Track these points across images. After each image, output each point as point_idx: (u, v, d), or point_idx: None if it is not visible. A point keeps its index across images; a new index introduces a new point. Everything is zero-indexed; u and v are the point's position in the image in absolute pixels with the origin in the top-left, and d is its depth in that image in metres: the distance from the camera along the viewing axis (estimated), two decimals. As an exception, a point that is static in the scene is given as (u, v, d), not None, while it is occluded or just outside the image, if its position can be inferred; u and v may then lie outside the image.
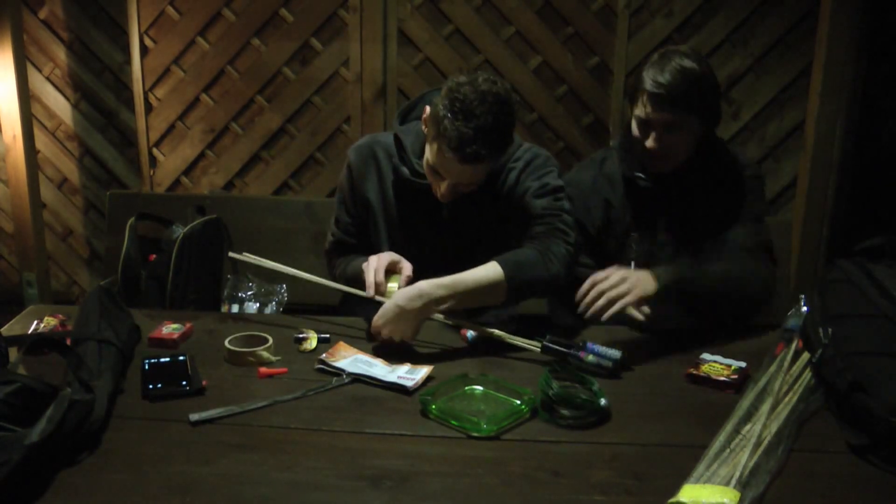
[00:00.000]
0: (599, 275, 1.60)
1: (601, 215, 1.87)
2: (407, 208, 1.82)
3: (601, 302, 1.56)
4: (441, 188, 1.68)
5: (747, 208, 1.82)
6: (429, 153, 1.67)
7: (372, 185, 1.84)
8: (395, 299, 1.57)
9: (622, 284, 1.57)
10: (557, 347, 1.56)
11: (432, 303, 1.57)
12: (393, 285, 1.65)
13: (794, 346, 1.50)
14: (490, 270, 1.61)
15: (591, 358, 1.53)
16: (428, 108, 1.67)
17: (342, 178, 1.89)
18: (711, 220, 1.81)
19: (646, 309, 1.58)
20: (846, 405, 1.29)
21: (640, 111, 1.73)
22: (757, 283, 1.78)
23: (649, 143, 1.73)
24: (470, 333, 1.68)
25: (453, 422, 1.31)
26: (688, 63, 1.69)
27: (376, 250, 1.79)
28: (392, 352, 1.59)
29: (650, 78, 1.69)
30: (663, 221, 1.84)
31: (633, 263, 1.83)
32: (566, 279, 1.67)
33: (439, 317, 1.63)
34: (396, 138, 1.79)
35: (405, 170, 1.77)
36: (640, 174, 1.81)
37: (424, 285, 1.58)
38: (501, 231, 1.79)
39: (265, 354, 1.54)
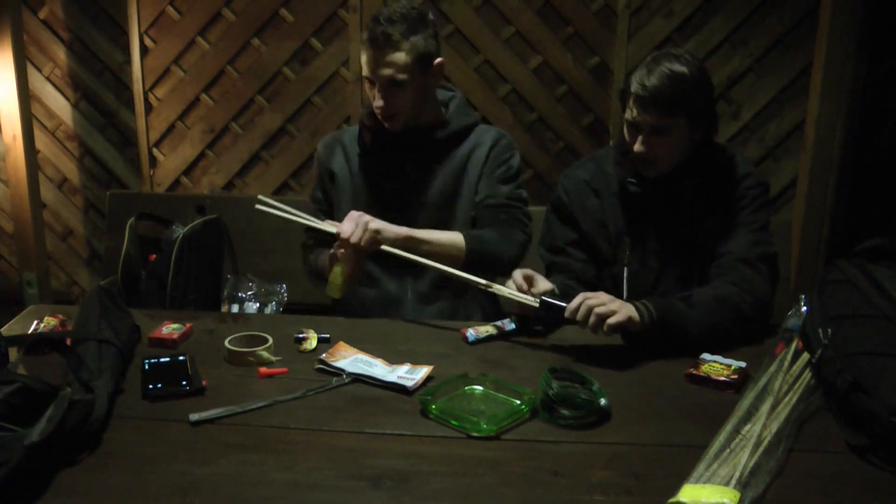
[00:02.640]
0: (589, 293, 1.58)
1: (595, 214, 1.87)
2: (372, 174, 1.95)
3: (592, 319, 1.55)
4: (376, 99, 1.82)
5: (747, 218, 1.75)
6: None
7: (337, 160, 1.99)
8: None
9: (611, 304, 1.55)
10: (554, 301, 1.60)
11: (389, 230, 1.77)
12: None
13: (794, 346, 1.50)
14: (453, 236, 1.84)
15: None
16: None
17: (313, 173, 2.01)
18: (705, 232, 1.76)
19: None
20: (846, 405, 1.29)
21: (627, 114, 1.72)
22: (749, 302, 1.66)
23: (637, 146, 1.72)
24: (470, 333, 1.68)
25: (453, 422, 1.31)
26: (677, 66, 1.66)
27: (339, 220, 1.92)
28: (391, 350, 1.59)
29: (637, 81, 1.67)
30: (654, 229, 1.82)
31: (625, 269, 1.83)
32: (521, 262, 1.85)
33: (390, 249, 1.74)
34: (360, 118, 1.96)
35: (367, 112, 1.92)
36: (632, 179, 1.79)
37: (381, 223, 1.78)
38: (462, 193, 1.93)
39: (265, 354, 1.54)
